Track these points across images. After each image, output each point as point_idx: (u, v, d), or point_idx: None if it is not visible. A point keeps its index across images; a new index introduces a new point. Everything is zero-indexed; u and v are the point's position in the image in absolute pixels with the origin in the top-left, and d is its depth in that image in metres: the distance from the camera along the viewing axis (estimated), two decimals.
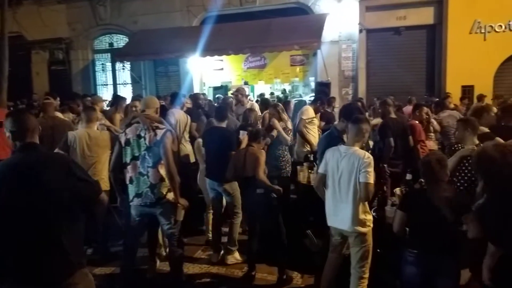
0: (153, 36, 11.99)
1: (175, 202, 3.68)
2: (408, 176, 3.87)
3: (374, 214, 3.70)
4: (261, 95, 11.30)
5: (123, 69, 14.26)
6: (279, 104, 6.14)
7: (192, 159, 5.51)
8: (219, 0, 12.12)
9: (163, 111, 5.28)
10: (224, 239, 4.96)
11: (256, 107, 7.01)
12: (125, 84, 14.49)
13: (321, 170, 3.56)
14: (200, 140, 5.23)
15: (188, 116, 5.75)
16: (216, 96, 10.93)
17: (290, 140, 5.68)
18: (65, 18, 14.07)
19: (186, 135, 5.68)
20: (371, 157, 3.27)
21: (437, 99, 8.75)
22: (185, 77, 12.99)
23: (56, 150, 4.16)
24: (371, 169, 3.21)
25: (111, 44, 14.49)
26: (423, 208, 2.76)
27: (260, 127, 5.56)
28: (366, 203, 3.37)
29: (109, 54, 14.43)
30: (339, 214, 3.39)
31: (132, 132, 3.64)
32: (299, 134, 5.92)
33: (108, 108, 7.70)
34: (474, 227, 2.58)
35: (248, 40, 10.86)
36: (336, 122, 5.36)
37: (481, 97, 9.04)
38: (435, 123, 6.26)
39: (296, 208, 5.37)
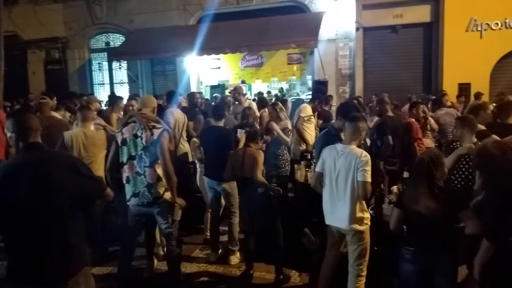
0: (149, 35, 11.96)
1: (172, 202, 3.67)
2: (405, 174, 3.87)
3: (371, 212, 3.71)
4: (260, 93, 11.28)
5: (119, 68, 14.22)
6: (278, 103, 6.14)
7: (191, 158, 5.51)
8: None
9: (160, 110, 5.27)
10: (222, 238, 4.96)
11: (254, 106, 7.01)
12: (122, 83, 14.45)
13: (318, 169, 3.56)
14: (195, 139, 5.23)
15: (185, 115, 5.74)
16: (214, 95, 10.91)
17: (290, 141, 5.69)
18: (61, 17, 14.02)
19: (184, 134, 5.68)
20: (368, 155, 3.27)
21: (434, 97, 8.76)
22: (182, 76, 12.97)
23: None
24: (368, 168, 3.21)
25: (107, 43, 14.45)
26: (418, 206, 2.76)
27: (257, 125, 5.56)
28: (364, 201, 3.38)
29: (105, 53, 14.38)
30: (337, 212, 3.39)
31: (129, 132, 3.63)
32: (296, 132, 5.92)
33: (105, 108, 7.68)
34: (472, 223, 2.59)
35: (245, 38, 10.84)
36: (333, 121, 5.36)
37: (478, 95, 9.07)
38: (432, 121, 6.27)
39: (293, 206, 5.38)
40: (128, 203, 3.72)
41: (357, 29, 11.54)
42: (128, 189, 3.66)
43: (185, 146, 5.60)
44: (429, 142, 6.18)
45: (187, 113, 5.91)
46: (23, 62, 14.65)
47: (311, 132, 6.04)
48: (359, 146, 3.45)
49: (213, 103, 8.39)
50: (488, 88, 10.58)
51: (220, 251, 4.82)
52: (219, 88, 12.93)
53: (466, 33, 10.82)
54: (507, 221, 2.48)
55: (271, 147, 5.26)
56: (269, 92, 12.62)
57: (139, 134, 3.58)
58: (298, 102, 8.43)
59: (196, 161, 5.41)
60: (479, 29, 10.76)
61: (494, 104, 6.69)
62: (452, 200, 2.72)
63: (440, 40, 11.08)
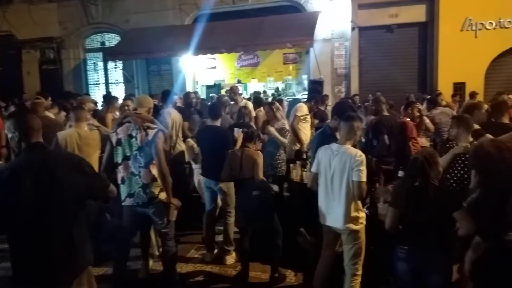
0: (145, 35, 11.92)
1: (167, 202, 3.66)
2: (400, 173, 3.88)
3: (366, 211, 3.72)
4: (256, 93, 11.29)
5: (115, 68, 14.17)
6: (275, 102, 6.14)
7: (187, 158, 5.49)
8: None
9: (156, 111, 5.26)
10: (217, 238, 4.96)
11: (250, 105, 7.00)
12: (117, 83, 14.40)
13: (313, 169, 3.56)
14: (190, 140, 5.21)
15: (180, 115, 5.73)
16: (210, 95, 10.90)
17: (288, 141, 5.69)
18: (56, 17, 13.94)
19: (180, 134, 5.67)
20: (363, 155, 3.28)
21: (429, 96, 8.79)
22: (177, 76, 12.94)
23: None
24: (363, 168, 3.22)
25: (102, 43, 14.39)
26: (413, 205, 2.77)
27: (253, 124, 5.56)
28: (359, 200, 3.38)
29: (101, 53, 14.31)
30: (332, 212, 3.40)
31: (123, 132, 3.61)
32: (292, 131, 5.92)
33: (101, 108, 7.66)
34: (466, 223, 2.60)
35: (241, 38, 10.83)
36: (329, 120, 5.37)
37: (473, 95, 9.11)
38: (427, 121, 6.29)
39: (289, 206, 5.37)
40: (123, 204, 3.71)
41: (353, 28, 11.55)
42: (123, 190, 3.65)
43: (181, 146, 5.59)
44: (424, 141, 6.19)
45: (182, 113, 5.90)
46: (18, 62, 14.56)
47: (306, 132, 6.04)
48: (354, 145, 3.45)
49: (209, 103, 8.39)
50: (482, 87, 10.63)
51: (215, 251, 4.81)
52: (215, 88, 12.91)
53: (461, 33, 10.86)
54: (502, 219, 2.50)
55: (268, 147, 5.26)
56: (264, 92, 12.61)
57: (133, 134, 3.57)
58: (295, 102, 8.43)
59: (191, 162, 5.41)
60: (473, 28, 10.80)
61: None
62: (446, 199, 2.73)
63: (435, 40, 11.12)
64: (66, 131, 4.62)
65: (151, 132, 3.55)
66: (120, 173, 3.63)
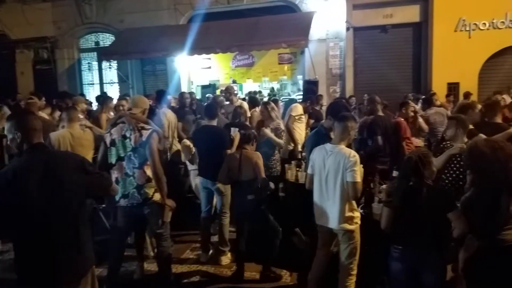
0: (140, 35, 11.88)
1: (162, 203, 3.65)
2: (394, 173, 3.89)
3: (361, 211, 3.73)
4: (250, 93, 11.28)
5: (109, 68, 14.12)
6: (270, 102, 6.14)
7: (184, 158, 5.47)
8: None
9: (151, 111, 5.23)
10: (213, 238, 4.95)
11: (245, 105, 7.01)
12: (112, 83, 14.34)
13: (309, 171, 3.57)
14: (187, 140, 5.19)
15: (175, 116, 5.71)
16: (206, 95, 10.90)
17: (284, 142, 5.70)
18: (50, 17, 13.85)
19: (176, 135, 5.65)
20: (357, 155, 3.28)
21: (424, 96, 8.84)
22: (172, 76, 12.91)
23: None
24: (357, 168, 3.23)
25: (97, 43, 14.32)
26: (407, 205, 2.78)
27: (248, 124, 5.56)
28: (354, 200, 3.39)
29: (95, 53, 14.24)
30: (327, 212, 3.40)
31: (117, 133, 3.59)
32: (286, 131, 5.93)
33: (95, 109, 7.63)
34: (460, 224, 2.61)
35: (236, 38, 10.82)
36: (323, 121, 5.38)
37: (467, 95, 9.17)
38: (421, 121, 6.33)
39: (284, 206, 5.38)
40: (117, 204, 3.69)
41: (348, 29, 11.58)
42: (118, 190, 3.62)
43: (177, 146, 5.58)
44: (418, 141, 6.23)
45: (176, 113, 5.88)
46: (11, 62, 14.45)
47: (301, 132, 6.06)
48: (349, 145, 3.46)
49: (204, 103, 8.37)
50: (476, 87, 10.70)
51: (210, 251, 4.81)
52: (210, 88, 12.90)
53: (454, 33, 10.92)
54: (495, 219, 2.51)
55: (263, 148, 5.25)
56: (260, 92, 12.62)
57: (127, 135, 3.55)
58: (291, 102, 8.44)
59: (187, 162, 5.39)
60: (467, 29, 10.87)
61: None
62: (440, 199, 2.74)
63: (429, 40, 11.17)
64: (59, 131, 4.58)
65: (145, 133, 3.53)
66: (114, 174, 3.61)
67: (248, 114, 6.56)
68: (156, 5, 12.73)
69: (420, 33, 11.52)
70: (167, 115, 5.44)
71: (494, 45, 10.71)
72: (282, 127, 5.68)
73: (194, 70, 14.03)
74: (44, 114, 6.00)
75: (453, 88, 10.84)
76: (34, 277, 2.23)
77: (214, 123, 4.81)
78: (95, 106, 10.01)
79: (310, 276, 3.69)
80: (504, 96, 8.35)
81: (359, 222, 3.43)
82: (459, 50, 10.65)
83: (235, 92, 8.51)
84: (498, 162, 2.50)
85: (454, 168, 3.66)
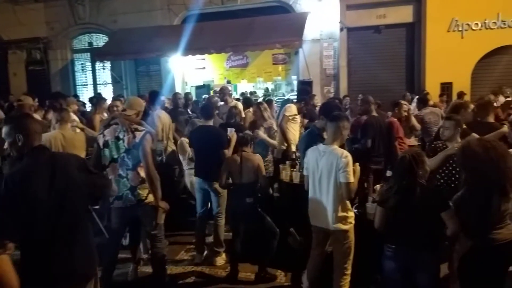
0: (133, 35, 11.84)
1: (156, 205, 3.63)
2: (388, 173, 3.91)
3: (355, 211, 3.74)
4: (243, 94, 11.30)
5: (103, 69, 14.05)
6: (263, 102, 6.15)
7: (181, 158, 5.45)
8: None
9: (145, 112, 5.20)
10: (208, 239, 4.94)
11: (240, 105, 7.01)
12: (105, 84, 14.27)
13: (305, 172, 3.58)
14: (184, 139, 5.17)
15: (169, 117, 5.69)
16: (203, 96, 10.89)
17: (278, 143, 5.70)
18: (43, 17, 13.75)
19: (171, 136, 5.63)
20: (349, 155, 3.28)
21: (417, 96, 8.89)
22: (166, 77, 12.87)
23: None
24: (349, 169, 3.23)
25: (90, 44, 14.25)
26: (401, 204, 2.79)
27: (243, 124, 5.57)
28: (348, 200, 3.40)
29: (88, 54, 14.17)
30: (321, 212, 3.41)
31: (111, 134, 3.57)
32: (280, 131, 5.94)
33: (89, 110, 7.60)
34: (452, 223, 2.63)
35: (230, 38, 10.82)
36: (316, 121, 5.39)
37: (461, 95, 9.24)
38: (414, 120, 6.36)
39: (279, 206, 5.38)
40: (111, 206, 3.68)
41: (341, 29, 11.62)
42: (117, 190, 3.60)
43: (173, 148, 5.56)
44: (412, 140, 6.26)
45: (169, 114, 5.86)
46: (4, 62, 14.36)
47: (295, 132, 6.05)
48: (342, 145, 3.46)
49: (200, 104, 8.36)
50: (469, 87, 10.77)
51: (205, 252, 4.79)
52: (204, 88, 12.89)
53: (447, 33, 10.99)
54: (487, 218, 2.53)
55: (256, 149, 5.25)
56: (254, 93, 12.62)
57: (121, 136, 3.53)
58: (286, 103, 8.45)
59: (183, 162, 5.36)
60: (460, 29, 10.94)
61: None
62: (434, 199, 2.75)
63: (423, 40, 11.24)
64: (50, 133, 4.54)
65: (138, 135, 3.50)
66: (108, 175, 3.59)
67: (243, 115, 6.56)
68: (149, 5, 12.69)
69: (413, 33, 11.58)
70: (161, 117, 5.40)
71: (487, 45, 10.80)
72: (275, 127, 5.68)
73: (188, 71, 14.00)
74: (37, 116, 5.95)
75: (446, 88, 10.91)
76: (43, 278, 2.24)
77: (211, 123, 4.80)
78: (89, 107, 9.97)
79: (304, 276, 3.69)
80: (499, 97, 8.41)
81: (353, 222, 3.45)
82: (452, 50, 10.72)
83: (230, 92, 8.50)
84: (490, 161, 2.52)
85: (450, 168, 3.66)
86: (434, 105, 7.75)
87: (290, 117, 6.04)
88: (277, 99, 10.82)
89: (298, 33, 10.30)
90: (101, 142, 3.61)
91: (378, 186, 4.02)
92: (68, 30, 13.84)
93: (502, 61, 10.96)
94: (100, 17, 13.32)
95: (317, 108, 8.03)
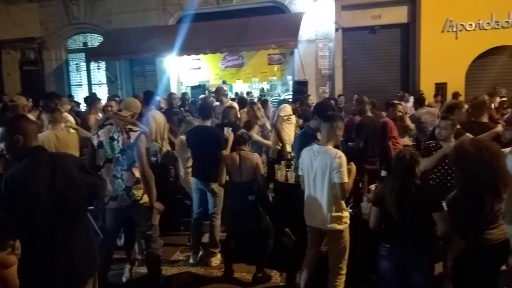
0: (128, 35, 11.82)
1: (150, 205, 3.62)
2: (383, 173, 3.92)
3: (350, 211, 3.74)
4: (237, 94, 11.31)
5: (98, 69, 14.02)
6: (256, 102, 6.16)
7: (178, 156, 5.43)
8: None
9: (140, 114, 5.18)
10: (202, 239, 4.93)
11: (236, 105, 7.00)
12: (100, 84, 14.23)
13: (300, 172, 3.58)
14: (182, 137, 5.14)
15: (164, 117, 5.67)
16: (200, 96, 10.88)
17: (272, 142, 5.70)
18: (37, 17, 13.70)
19: (166, 136, 5.61)
20: (343, 156, 3.28)
21: (412, 96, 8.93)
22: (162, 77, 12.86)
23: None
24: (343, 169, 3.23)
25: (85, 44, 14.21)
26: (397, 204, 2.79)
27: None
28: (342, 200, 3.40)
29: (83, 54, 14.14)
30: (316, 212, 3.41)
31: (105, 134, 3.55)
32: (274, 131, 5.94)
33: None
34: (443, 224, 2.64)
35: (226, 39, 10.82)
36: (310, 121, 5.40)
37: (456, 95, 9.30)
38: (408, 120, 6.38)
39: (274, 206, 5.38)
40: (106, 206, 3.66)
41: (336, 29, 11.66)
42: (107, 192, 3.59)
43: (167, 148, 5.54)
44: (406, 140, 6.29)
45: (164, 114, 5.84)
46: None
47: (289, 132, 6.05)
48: (336, 146, 3.46)
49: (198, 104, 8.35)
50: (463, 87, 10.85)
51: (200, 253, 4.79)
52: (200, 88, 12.88)
53: (442, 34, 11.06)
54: (480, 218, 2.54)
55: (251, 149, 5.26)
56: (249, 93, 12.63)
57: (115, 137, 3.51)
58: (282, 103, 8.46)
59: (180, 161, 5.33)
60: (454, 30, 11.01)
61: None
62: (428, 199, 2.75)
63: (417, 41, 11.30)
64: (43, 133, 4.48)
65: (133, 135, 3.49)
66: (103, 176, 3.57)
67: (238, 115, 6.55)
68: (144, 5, 12.67)
69: (408, 33, 11.65)
70: (155, 117, 5.38)
71: (481, 46, 10.88)
72: (269, 126, 5.68)
73: (184, 71, 13.98)
74: (31, 116, 5.91)
75: (440, 88, 10.98)
76: (43, 278, 2.23)
77: (208, 123, 4.79)
78: (83, 107, 9.93)
79: (299, 276, 3.70)
80: (496, 98, 8.45)
81: (348, 221, 3.45)
82: (446, 51, 10.79)
83: (225, 92, 8.50)
84: (482, 161, 2.53)
85: (446, 167, 3.68)
86: (429, 105, 7.80)
87: (285, 117, 6.04)
88: (272, 99, 10.83)
89: (293, 33, 10.33)
90: (95, 142, 3.59)
91: (373, 186, 4.03)
92: (62, 30, 13.80)
93: (496, 61, 11.05)
94: (95, 17, 13.29)
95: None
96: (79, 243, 2.32)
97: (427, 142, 4.01)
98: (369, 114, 5.83)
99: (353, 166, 3.45)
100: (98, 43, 13.36)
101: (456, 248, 2.60)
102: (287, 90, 12.59)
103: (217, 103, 7.61)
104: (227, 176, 4.27)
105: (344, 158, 3.26)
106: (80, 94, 13.76)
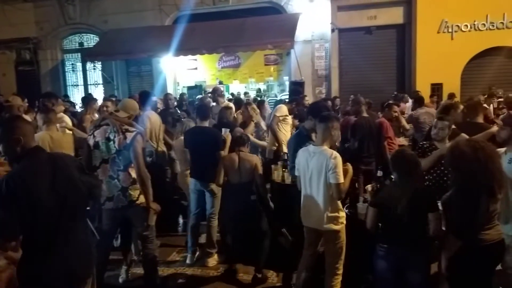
0: (124, 36, 11.79)
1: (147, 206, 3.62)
2: (379, 173, 3.93)
3: (347, 211, 3.75)
4: (233, 95, 11.31)
5: (94, 69, 13.97)
6: (251, 103, 6.17)
7: (176, 157, 5.42)
8: None
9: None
10: (199, 240, 4.93)
11: (233, 106, 7.00)
12: (96, 84, 14.18)
13: (296, 172, 3.58)
14: (181, 138, 5.13)
15: (159, 118, 5.66)
16: (197, 97, 10.87)
17: (268, 142, 5.70)
18: (33, 17, 13.64)
19: (161, 137, 5.60)
20: (338, 156, 3.29)
21: (415, 96, 8.94)
22: (158, 77, 12.84)
23: None
24: (339, 169, 3.23)
25: (81, 44, 14.15)
26: (394, 204, 2.81)
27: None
28: (339, 201, 3.41)
29: (79, 54, 14.09)
30: (312, 212, 3.42)
31: (101, 135, 3.54)
32: (270, 131, 5.94)
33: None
34: (436, 225, 2.66)
35: (222, 39, 10.82)
36: (305, 122, 5.41)
37: (451, 96, 9.34)
38: (403, 120, 6.41)
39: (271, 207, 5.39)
40: (102, 207, 3.65)
41: (333, 30, 11.69)
42: (103, 193, 3.58)
43: (163, 149, 5.53)
44: (401, 140, 6.31)
45: (159, 115, 5.83)
46: None
47: (286, 133, 6.06)
48: (332, 146, 3.46)
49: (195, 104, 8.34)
50: (459, 88, 10.90)
51: (197, 253, 4.78)
52: (196, 89, 12.87)
53: (437, 35, 11.11)
54: (475, 218, 2.55)
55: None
56: (246, 93, 12.63)
57: (111, 137, 3.50)
58: (279, 103, 8.46)
59: (177, 162, 5.32)
60: (450, 30, 11.07)
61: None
62: (425, 199, 2.77)
63: (413, 41, 11.35)
64: (38, 134, 4.45)
65: (129, 135, 3.48)
66: (99, 176, 3.56)
67: (234, 115, 6.56)
68: (140, 5, 12.64)
69: (403, 34, 11.69)
70: (150, 118, 5.36)
71: (476, 47, 10.94)
72: (264, 126, 5.69)
73: (180, 71, 13.97)
74: (27, 117, 5.88)
75: (436, 88, 11.03)
76: (43, 278, 2.23)
77: (206, 124, 4.78)
78: (80, 108, 9.89)
79: (296, 276, 3.70)
80: (494, 99, 8.48)
81: (344, 222, 3.45)
82: (442, 52, 10.84)
83: (222, 93, 8.50)
84: (478, 162, 2.54)
85: (442, 168, 3.69)
86: (425, 105, 7.83)
87: (281, 118, 6.05)
88: (269, 100, 10.84)
89: (289, 34, 10.34)
90: (91, 143, 3.58)
91: (369, 186, 4.04)
92: (58, 30, 13.75)
93: (491, 62, 11.11)
94: (91, 17, 13.24)
95: None
96: (78, 244, 2.34)
97: (421, 143, 4.02)
98: (365, 114, 5.84)
99: (350, 167, 3.45)
100: (94, 43, 13.31)
101: (451, 249, 2.62)
102: (283, 91, 12.61)
103: (214, 104, 7.60)
104: (224, 176, 4.27)
105: (339, 159, 3.26)
106: (76, 95, 13.72)
